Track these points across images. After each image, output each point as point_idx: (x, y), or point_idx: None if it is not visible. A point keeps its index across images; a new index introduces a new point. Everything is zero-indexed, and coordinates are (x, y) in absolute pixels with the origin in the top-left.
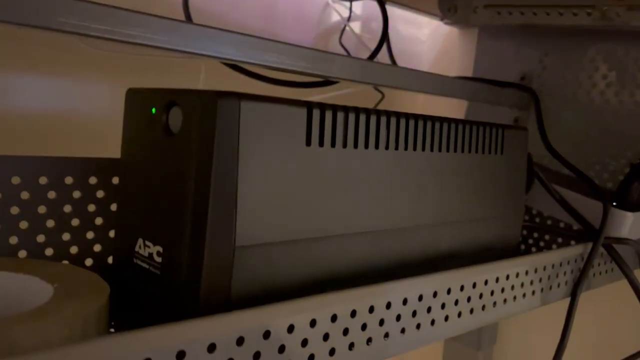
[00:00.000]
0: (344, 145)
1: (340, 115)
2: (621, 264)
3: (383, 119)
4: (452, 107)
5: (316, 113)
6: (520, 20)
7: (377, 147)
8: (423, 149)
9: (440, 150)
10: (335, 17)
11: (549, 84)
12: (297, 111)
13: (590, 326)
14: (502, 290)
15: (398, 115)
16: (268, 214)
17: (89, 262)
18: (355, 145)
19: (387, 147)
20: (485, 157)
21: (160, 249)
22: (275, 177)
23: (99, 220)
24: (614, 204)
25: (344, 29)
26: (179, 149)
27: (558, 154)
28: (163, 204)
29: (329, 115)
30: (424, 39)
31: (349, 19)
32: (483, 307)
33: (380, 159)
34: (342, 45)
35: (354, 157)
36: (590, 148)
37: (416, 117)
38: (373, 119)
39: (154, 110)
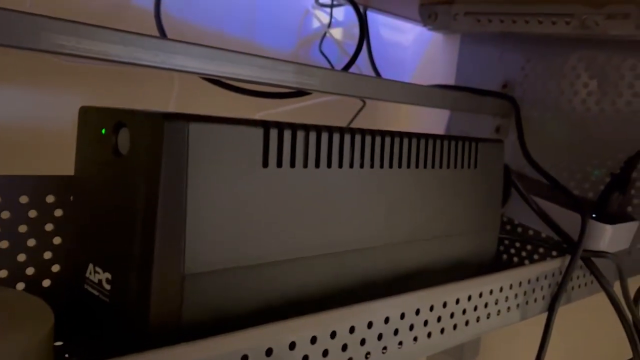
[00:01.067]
0: (305, 165)
1: (300, 134)
2: (600, 278)
3: (347, 137)
4: (436, 114)
5: (273, 133)
6: (500, 28)
7: (340, 166)
8: (391, 166)
9: (409, 167)
10: (316, 24)
11: (531, 92)
12: (253, 132)
13: (573, 336)
14: (475, 308)
15: (363, 132)
16: (221, 239)
17: (46, 283)
18: (317, 165)
19: (351, 166)
20: (459, 172)
21: (109, 275)
22: (229, 201)
23: (57, 240)
24: (593, 215)
25: (324, 36)
26: (127, 171)
27: (536, 164)
28: (112, 228)
29: (287, 134)
30: (408, 45)
31: (329, 25)
32: (455, 327)
33: (346, 177)
34: (322, 53)
35: (316, 177)
36: (571, 157)
37: (383, 133)
38: (336, 137)
39: (103, 130)
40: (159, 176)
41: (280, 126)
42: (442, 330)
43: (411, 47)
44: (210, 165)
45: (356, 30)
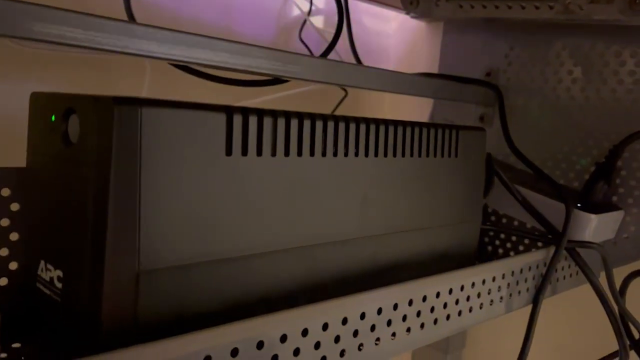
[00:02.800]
0: (273, 153)
1: (267, 121)
2: (584, 269)
3: (319, 124)
4: (420, 102)
5: (237, 119)
6: (483, 14)
7: (312, 154)
8: (367, 154)
9: (386, 155)
10: (295, 11)
11: (515, 80)
12: (214, 117)
13: (557, 329)
14: (457, 302)
15: (336, 118)
16: (180, 232)
17: (3, 281)
18: (287, 153)
19: (324, 154)
20: (439, 161)
21: (60, 273)
22: (187, 192)
23: (14, 236)
24: (578, 205)
25: (304, 24)
26: (77, 160)
27: (521, 153)
28: (63, 223)
29: (253, 121)
30: (391, 32)
31: (309, 12)
32: (435, 321)
33: (317, 166)
34: (302, 41)
35: (285, 165)
36: (556, 145)
37: (357, 120)
38: (307, 124)
39: (53, 117)
40: (110, 165)
41: (245, 112)
42: (422, 325)
43: (395, 35)
44: (167, 153)
45: (337, 18)
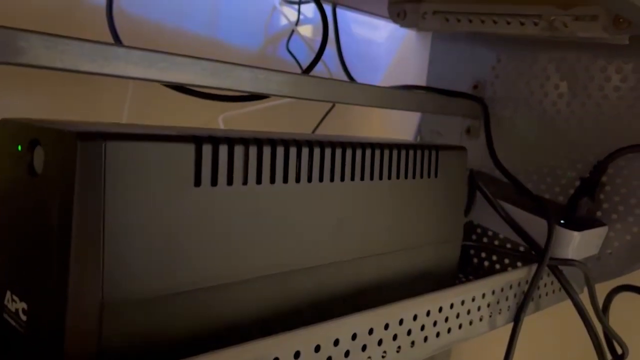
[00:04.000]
0: (245, 182)
1: (238, 150)
2: (566, 286)
3: (292, 150)
4: (408, 114)
5: (207, 149)
6: (469, 28)
7: (285, 181)
8: (342, 179)
9: (362, 179)
10: (283, 21)
11: (502, 92)
12: (182, 148)
13: (539, 344)
14: (435, 323)
15: (310, 144)
16: (145, 264)
17: None
18: (259, 181)
19: (297, 181)
20: (418, 182)
21: (25, 305)
22: (154, 223)
23: None
24: (562, 221)
25: (291, 34)
26: (42, 191)
27: (504, 168)
28: (28, 253)
29: (223, 150)
30: (381, 41)
31: (297, 22)
32: (412, 344)
33: (291, 193)
34: (290, 52)
35: (257, 194)
36: (542, 159)
37: (333, 145)
38: (280, 151)
39: (19, 147)
40: (72, 198)
41: (215, 141)
42: (399, 349)
43: (384, 44)
44: (132, 185)
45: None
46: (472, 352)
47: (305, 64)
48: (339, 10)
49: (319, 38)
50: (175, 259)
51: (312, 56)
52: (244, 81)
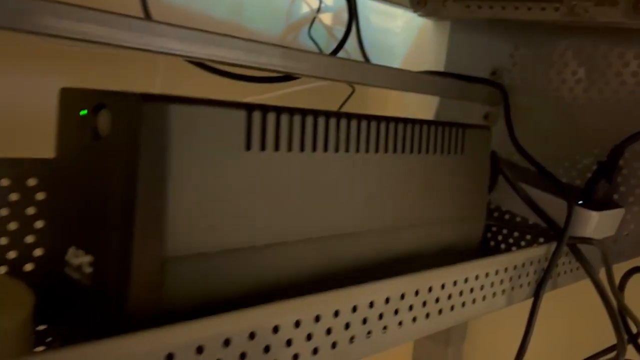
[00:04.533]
0: (289, 148)
1: (284, 118)
2: (585, 265)
3: (332, 121)
4: (424, 101)
5: (257, 115)
6: (489, 15)
7: (326, 150)
8: (377, 150)
9: (395, 151)
10: (305, 9)
11: (519, 79)
12: (236, 114)
13: (557, 323)
14: (461, 293)
15: (349, 116)
16: (204, 222)
17: (29, 267)
18: (302, 149)
19: (337, 150)
20: (445, 158)
21: (90, 258)
22: (211, 183)
23: (39, 224)
24: (580, 202)
25: (313, 21)
26: (107, 153)
27: (524, 151)
28: (93, 211)
29: (271, 117)
30: (398, 31)
31: (318, 10)
32: (440, 312)
33: (331, 162)
34: (312, 38)
35: (301, 160)
36: (559, 145)
37: (369, 117)
38: (321, 120)
39: (83, 112)
40: (138, 158)
41: (264, 108)
42: (428, 315)
43: (401, 33)
44: (192, 147)
45: (346, 16)
46: (487, 335)
47: (325, 51)
48: None
49: (339, 26)
50: (226, 218)
51: (332, 43)
52: (277, 60)
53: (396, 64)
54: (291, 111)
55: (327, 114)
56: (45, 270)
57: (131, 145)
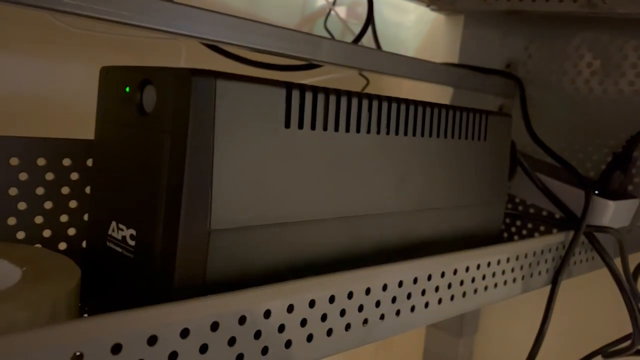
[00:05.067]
0: (325, 128)
1: (320, 97)
2: (602, 253)
3: (365, 102)
4: (437, 95)
5: (296, 94)
6: (506, 7)
7: (358, 130)
8: (405, 133)
9: (423, 135)
10: (320, 1)
11: (534, 72)
12: (276, 91)
13: (570, 314)
14: (484, 277)
15: (380, 98)
16: (245, 196)
17: (62, 245)
18: (337, 129)
19: (368, 131)
20: (469, 143)
21: (133, 232)
22: (252, 159)
23: (73, 204)
24: (596, 192)
25: (329, 13)
26: (153, 128)
27: (542, 142)
28: (137, 185)
29: (309, 96)
30: (410, 25)
31: (334, 2)
32: (464, 294)
33: (362, 143)
34: (327, 30)
35: (334, 140)
36: (573, 137)
37: (399, 101)
38: (355, 101)
39: (127, 89)
40: (187, 132)
41: (302, 87)
42: (452, 297)
43: (413, 27)
44: (236, 122)
45: (360, 9)
46: (498, 327)
47: None
48: None
49: (353, 19)
50: (267, 193)
51: (347, 36)
52: (299, 46)
53: None
54: (326, 91)
55: (360, 95)
56: (81, 246)
57: (179, 119)
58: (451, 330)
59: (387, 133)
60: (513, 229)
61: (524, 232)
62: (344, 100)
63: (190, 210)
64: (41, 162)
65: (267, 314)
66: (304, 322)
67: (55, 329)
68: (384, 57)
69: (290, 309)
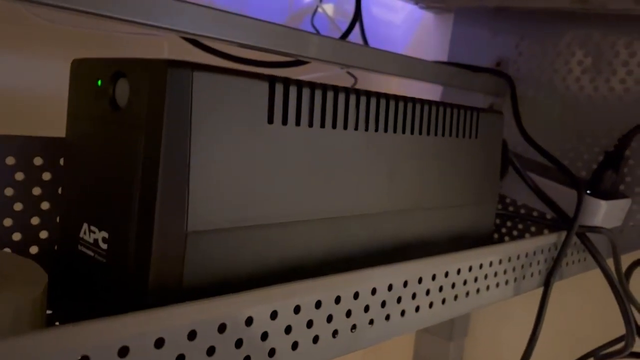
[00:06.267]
0: (310, 124)
1: (306, 92)
2: (594, 253)
3: (352, 98)
4: (426, 95)
5: (279, 88)
6: (497, 3)
7: (345, 127)
8: (395, 130)
9: (412, 132)
10: None
11: (525, 70)
12: (258, 85)
13: (562, 316)
14: (475, 279)
15: (369, 94)
16: (224, 196)
17: (34, 249)
18: (323, 125)
19: (356, 128)
20: (460, 141)
21: (105, 234)
22: (232, 157)
23: (45, 205)
24: (588, 192)
25: (316, 10)
26: (126, 124)
27: (533, 141)
28: (109, 185)
29: (293, 91)
30: (399, 23)
31: (321, 0)
32: (455, 297)
33: (349, 140)
34: (314, 27)
35: (320, 137)
36: (564, 135)
37: (388, 97)
38: (342, 97)
39: (99, 82)
40: (162, 128)
41: (286, 81)
42: (444, 301)
43: (402, 25)
44: (215, 117)
45: (348, 7)
46: (489, 330)
47: None
48: None
49: (341, 17)
50: (248, 193)
51: (334, 34)
52: (284, 41)
53: None
54: (312, 86)
55: (347, 91)
56: (53, 250)
57: (154, 114)
58: (441, 333)
59: (376, 130)
60: (503, 230)
61: (515, 233)
62: (330, 95)
63: (165, 211)
64: (10, 161)
65: (249, 321)
66: (288, 329)
67: (15, 341)
68: (373, 54)
69: (274, 315)
